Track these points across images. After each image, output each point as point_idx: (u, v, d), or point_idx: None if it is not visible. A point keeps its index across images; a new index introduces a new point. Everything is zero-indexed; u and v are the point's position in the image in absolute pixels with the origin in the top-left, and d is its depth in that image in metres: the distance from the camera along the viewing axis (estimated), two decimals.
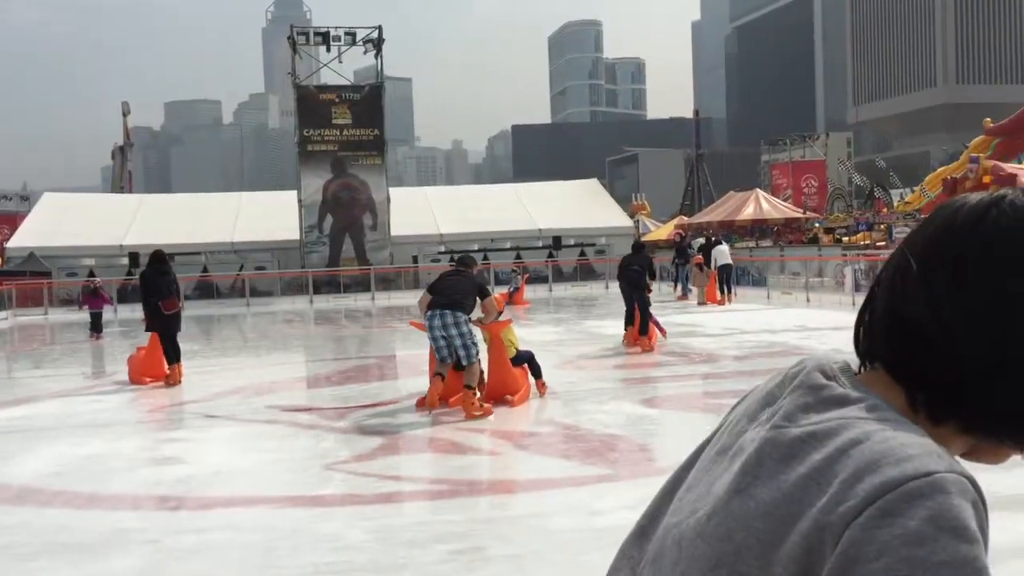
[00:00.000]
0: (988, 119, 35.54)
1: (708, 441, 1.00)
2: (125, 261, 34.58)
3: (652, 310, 13.94)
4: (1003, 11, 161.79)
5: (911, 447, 0.77)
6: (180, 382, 11.75)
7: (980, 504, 0.76)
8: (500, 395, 9.25)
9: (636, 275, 13.94)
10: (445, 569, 4.57)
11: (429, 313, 8.86)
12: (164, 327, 11.79)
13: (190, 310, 29.29)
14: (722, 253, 23.13)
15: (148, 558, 4.94)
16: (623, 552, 1.01)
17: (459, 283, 9.06)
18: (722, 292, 22.59)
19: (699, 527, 0.86)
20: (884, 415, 0.82)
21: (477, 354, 8.89)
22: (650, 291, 14.07)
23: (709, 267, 22.98)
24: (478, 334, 9.17)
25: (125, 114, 58.47)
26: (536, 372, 9.62)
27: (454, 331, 8.72)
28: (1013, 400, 0.83)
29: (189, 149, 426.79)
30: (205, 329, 22.07)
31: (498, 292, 9.37)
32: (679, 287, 25.76)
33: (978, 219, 0.85)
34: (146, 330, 12.06)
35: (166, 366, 11.84)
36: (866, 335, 0.91)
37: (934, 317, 0.84)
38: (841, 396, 0.85)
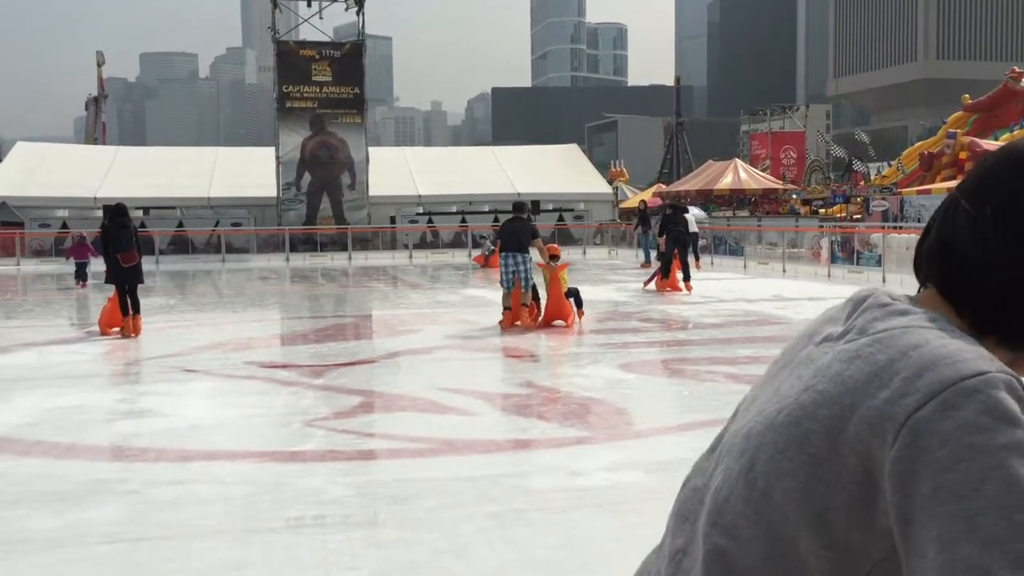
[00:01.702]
0: (966, 95, 35.72)
1: (771, 364, 1.12)
2: (99, 213, 34.13)
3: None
4: None
5: (966, 352, 0.88)
6: (137, 335, 11.80)
7: (1023, 400, 0.86)
8: (556, 318, 12.10)
9: (681, 234, 17.36)
10: (426, 525, 4.62)
11: (503, 254, 11.94)
12: (124, 279, 11.88)
13: (164, 265, 29.08)
14: (689, 222, 23.30)
15: (130, 508, 4.95)
16: (696, 466, 1.13)
17: (520, 229, 12.00)
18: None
19: (768, 421, 0.97)
20: (942, 325, 0.94)
21: (532, 283, 12.04)
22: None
23: None
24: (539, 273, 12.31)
25: (99, 64, 57.40)
26: (579, 304, 12.30)
27: (522, 268, 11.82)
28: None
29: (164, 102, 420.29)
30: (180, 284, 21.92)
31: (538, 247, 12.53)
32: (641, 255, 26.04)
33: None
34: (106, 282, 12.23)
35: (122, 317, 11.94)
36: (923, 259, 1.05)
37: (977, 241, 0.96)
38: (904, 309, 0.97)
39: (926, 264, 1.04)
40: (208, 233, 33.90)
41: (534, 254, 12.11)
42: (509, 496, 5.08)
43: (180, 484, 5.38)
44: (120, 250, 11.82)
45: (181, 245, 33.46)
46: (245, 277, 24.25)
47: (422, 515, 4.77)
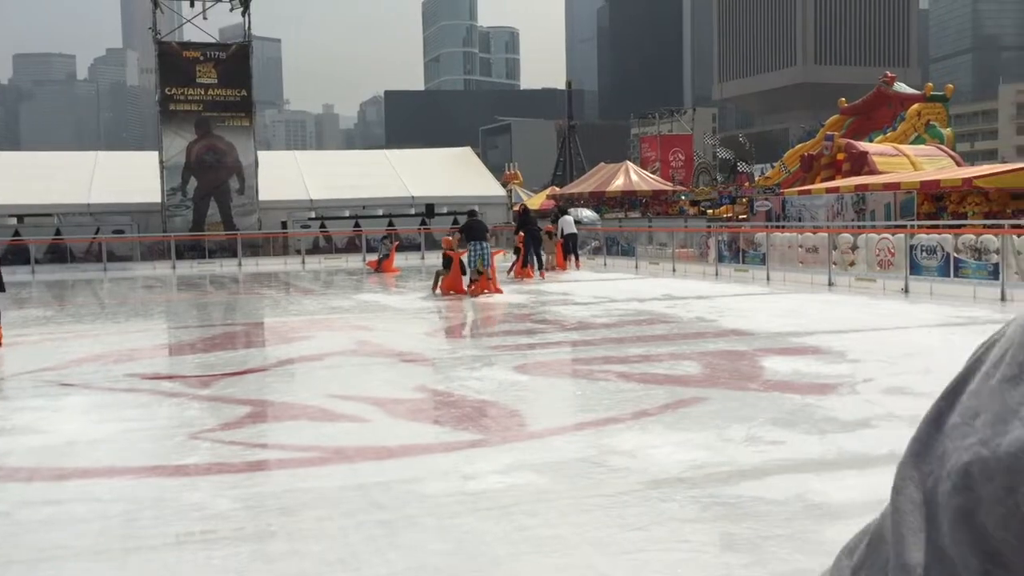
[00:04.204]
0: (843, 99, 37.23)
1: (969, 372, 1.10)
2: None
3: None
4: None
5: None
6: None
7: None
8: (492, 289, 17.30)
9: (536, 232, 21.87)
10: (315, 535, 4.52)
11: (472, 242, 17.13)
12: None
13: (40, 275, 27.81)
14: (568, 223, 24.93)
15: (0, 531, 4.69)
16: (902, 473, 1.12)
17: (482, 226, 17.72)
18: (566, 258, 24.41)
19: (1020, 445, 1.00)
20: None
21: (489, 261, 17.23)
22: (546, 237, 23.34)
23: (557, 236, 24.43)
24: None
25: None
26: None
27: (486, 252, 17.14)
28: None
29: (40, 105, 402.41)
30: (57, 295, 20.98)
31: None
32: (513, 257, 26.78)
33: None
34: None
35: None
36: None
37: None
38: None
39: None
40: (88, 241, 32.60)
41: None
42: (401, 502, 5.02)
43: (54, 503, 5.13)
44: None
45: (59, 254, 32.07)
46: (128, 286, 23.39)
47: (311, 525, 4.67)
